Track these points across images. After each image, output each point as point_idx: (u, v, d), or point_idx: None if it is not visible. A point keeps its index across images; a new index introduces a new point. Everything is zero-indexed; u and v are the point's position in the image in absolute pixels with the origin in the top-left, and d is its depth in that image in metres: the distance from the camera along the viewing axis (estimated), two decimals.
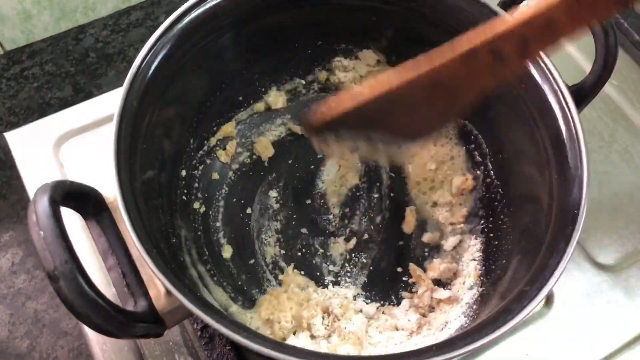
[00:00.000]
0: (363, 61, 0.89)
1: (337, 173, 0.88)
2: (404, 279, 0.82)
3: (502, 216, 0.79)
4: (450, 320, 0.75)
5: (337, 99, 0.71)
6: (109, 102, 0.92)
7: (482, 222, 0.82)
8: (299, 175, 0.88)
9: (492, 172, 0.82)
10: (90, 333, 0.77)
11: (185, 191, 0.81)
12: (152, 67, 0.67)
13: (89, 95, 1.05)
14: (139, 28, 1.12)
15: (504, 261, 0.75)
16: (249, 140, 0.89)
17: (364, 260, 0.83)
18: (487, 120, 0.82)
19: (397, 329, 0.77)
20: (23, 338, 0.87)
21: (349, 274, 0.82)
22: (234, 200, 0.85)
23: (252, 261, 0.82)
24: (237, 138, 0.88)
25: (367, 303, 0.80)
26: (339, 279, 0.82)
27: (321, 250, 0.83)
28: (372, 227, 0.86)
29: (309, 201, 0.87)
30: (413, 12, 0.78)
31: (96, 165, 0.73)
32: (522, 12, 0.54)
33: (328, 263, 0.82)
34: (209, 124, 0.85)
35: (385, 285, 0.82)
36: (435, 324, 0.76)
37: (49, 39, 1.10)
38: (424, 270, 0.81)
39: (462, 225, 0.83)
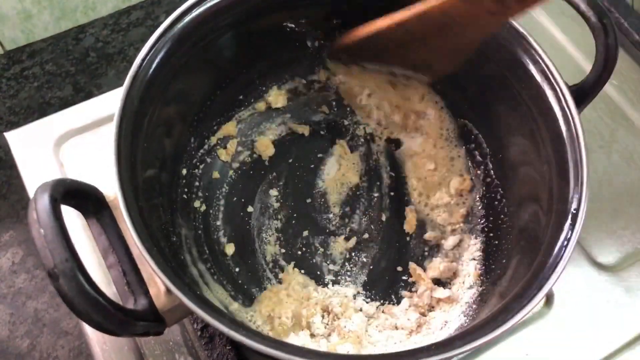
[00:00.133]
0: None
1: (338, 172, 0.88)
2: (404, 278, 0.82)
3: (502, 216, 0.79)
4: (450, 319, 0.76)
5: (361, 27, 0.76)
6: (109, 102, 0.92)
7: (482, 221, 0.82)
8: (300, 174, 0.88)
9: (492, 171, 0.82)
10: (90, 332, 0.77)
11: (185, 190, 0.81)
12: (153, 66, 0.67)
13: (89, 95, 1.05)
14: (139, 27, 1.12)
15: (504, 261, 0.75)
16: (250, 139, 0.89)
17: (364, 260, 0.83)
18: (487, 120, 0.82)
19: (396, 328, 0.77)
20: (23, 337, 0.87)
21: (349, 273, 0.82)
22: (235, 199, 0.85)
23: (252, 260, 0.82)
24: (237, 137, 0.88)
25: (366, 302, 0.80)
26: (339, 277, 0.82)
27: (321, 249, 0.83)
28: (372, 226, 0.85)
29: (309, 200, 0.87)
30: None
31: (96, 165, 0.73)
32: None
33: (328, 262, 0.82)
34: (210, 122, 0.85)
35: (385, 284, 0.82)
36: (435, 323, 0.76)
37: (49, 38, 1.10)
38: (424, 269, 0.81)
39: (462, 224, 0.83)
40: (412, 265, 0.81)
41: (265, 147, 0.88)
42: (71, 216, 0.72)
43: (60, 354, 0.87)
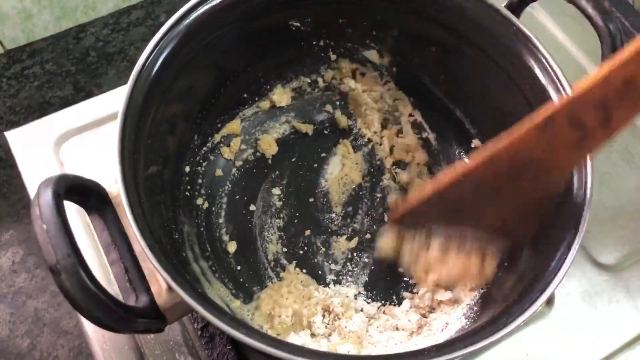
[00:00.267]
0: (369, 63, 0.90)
1: (341, 172, 0.88)
2: (405, 279, 0.82)
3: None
4: (451, 321, 0.75)
5: (420, 188, 0.69)
6: (110, 101, 0.92)
7: None
8: (302, 173, 0.88)
9: None
10: (90, 332, 0.77)
11: (188, 187, 0.81)
12: (157, 64, 0.67)
13: (89, 95, 1.05)
14: (139, 27, 1.12)
15: (506, 263, 0.75)
16: (253, 138, 0.89)
17: (366, 260, 0.83)
18: (489, 122, 0.82)
19: (397, 329, 0.77)
20: (23, 337, 0.87)
21: (350, 273, 0.82)
22: (237, 197, 0.85)
23: (254, 258, 0.82)
24: (241, 135, 0.88)
25: (368, 302, 0.80)
26: (340, 277, 0.82)
27: (323, 249, 0.83)
28: (374, 226, 0.85)
29: (311, 199, 0.87)
30: (419, 12, 0.78)
31: (97, 164, 0.73)
32: (596, 73, 0.51)
33: (330, 262, 0.82)
34: (214, 120, 0.85)
35: (387, 285, 0.82)
36: (436, 324, 0.76)
37: (50, 38, 1.10)
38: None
39: None
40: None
41: (269, 145, 0.88)
42: (73, 213, 0.72)
43: (60, 353, 0.86)
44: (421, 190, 0.67)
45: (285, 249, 0.82)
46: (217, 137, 0.86)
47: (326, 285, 0.81)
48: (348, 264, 0.83)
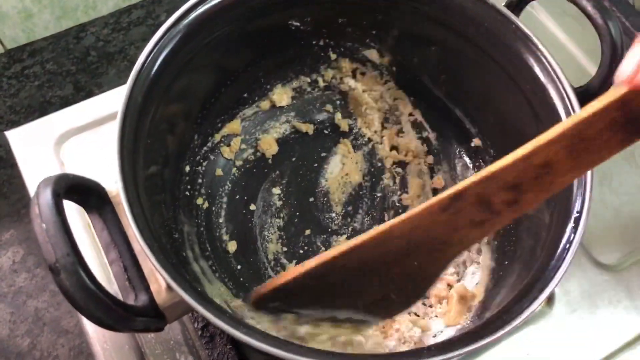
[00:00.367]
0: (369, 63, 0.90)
1: (341, 171, 0.88)
2: None
3: None
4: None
5: (287, 272, 0.63)
6: (110, 101, 0.92)
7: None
8: (303, 172, 0.88)
9: None
10: (91, 331, 0.77)
11: (188, 187, 0.81)
12: (157, 63, 0.67)
13: (89, 94, 1.05)
14: (140, 27, 1.12)
15: (506, 262, 0.75)
16: (253, 137, 0.89)
17: None
18: (491, 122, 0.82)
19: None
20: (24, 336, 0.87)
21: None
22: (237, 196, 0.85)
23: (254, 258, 0.82)
24: (241, 135, 0.88)
25: None
26: None
27: (323, 248, 0.83)
28: (374, 226, 0.85)
29: (312, 199, 0.87)
30: (419, 12, 0.78)
31: (97, 164, 0.73)
32: (515, 153, 0.49)
33: None
34: (214, 120, 0.85)
35: None
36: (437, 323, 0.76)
37: (50, 37, 1.10)
38: None
39: None
40: None
41: (269, 145, 0.88)
42: (72, 212, 0.72)
43: (60, 352, 0.86)
44: (289, 272, 0.63)
45: (285, 249, 0.82)
46: (217, 137, 0.86)
47: None
48: None
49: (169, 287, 0.58)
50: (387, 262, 0.57)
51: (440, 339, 0.73)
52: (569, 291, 0.83)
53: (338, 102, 0.93)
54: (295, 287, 0.62)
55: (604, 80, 0.69)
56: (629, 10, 0.98)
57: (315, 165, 0.89)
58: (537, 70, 0.70)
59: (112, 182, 0.62)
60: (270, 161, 0.88)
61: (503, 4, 0.74)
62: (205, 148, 0.84)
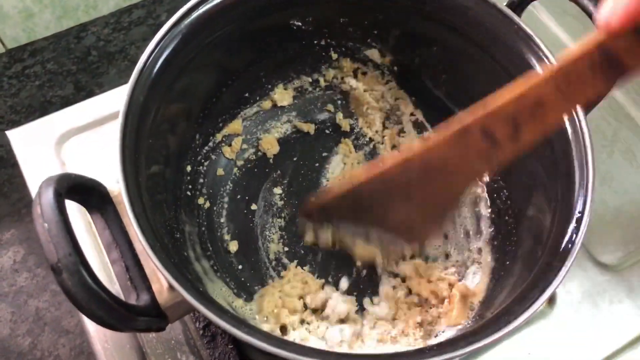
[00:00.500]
0: (370, 62, 0.90)
1: (342, 171, 0.88)
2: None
3: (506, 217, 0.78)
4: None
5: (332, 184, 0.70)
6: (111, 101, 0.92)
7: (487, 222, 0.82)
8: (304, 172, 0.88)
9: (498, 174, 0.81)
10: (92, 331, 0.77)
11: (190, 186, 0.81)
12: (159, 64, 0.67)
13: (90, 94, 1.05)
14: (140, 26, 1.12)
15: (508, 262, 0.75)
16: (255, 137, 0.89)
17: None
18: None
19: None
20: (25, 336, 0.87)
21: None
22: (239, 196, 0.85)
23: (255, 257, 0.82)
24: (242, 134, 0.88)
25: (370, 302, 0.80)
26: (341, 276, 0.81)
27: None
28: None
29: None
30: (420, 11, 0.78)
31: (98, 163, 0.73)
32: (511, 89, 0.54)
33: (332, 261, 0.82)
34: (215, 120, 0.85)
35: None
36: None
37: (51, 37, 1.10)
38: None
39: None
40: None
41: (270, 145, 0.88)
42: (74, 211, 0.72)
43: (61, 352, 0.86)
44: (334, 187, 0.69)
45: (286, 249, 0.82)
46: (218, 137, 0.86)
47: (328, 284, 0.80)
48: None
49: (170, 287, 0.58)
50: (409, 188, 0.63)
51: (441, 338, 0.73)
52: (570, 291, 0.83)
53: (339, 102, 0.93)
54: (333, 205, 0.68)
55: None
56: None
57: (317, 165, 0.89)
58: (538, 69, 0.70)
59: (113, 182, 0.62)
60: (271, 161, 0.88)
61: (504, 3, 0.74)
62: (206, 148, 0.84)
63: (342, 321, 0.77)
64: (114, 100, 0.92)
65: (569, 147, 0.66)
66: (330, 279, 0.81)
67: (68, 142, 0.89)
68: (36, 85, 1.05)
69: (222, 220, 0.83)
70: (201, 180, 0.83)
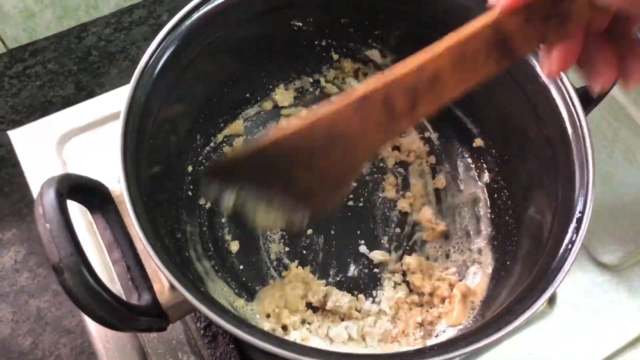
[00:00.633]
0: (371, 63, 0.90)
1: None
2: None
3: (507, 217, 0.79)
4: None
5: (245, 145, 0.71)
6: (112, 101, 0.92)
7: (487, 223, 0.82)
8: None
9: (498, 174, 0.81)
10: (93, 331, 0.77)
11: (191, 187, 0.81)
12: (160, 64, 0.67)
13: (91, 94, 1.05)
14: (141, 26, 1.12)
15: (508, 262, 0.75)
16: (256, 138, 0.88)
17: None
18: (493, 122, 0.82)
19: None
20: (26, 336, 0.87)
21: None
22: None
23: (256, 257, 0.81)
24: (244, 135, 0.88)
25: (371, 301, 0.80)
26: (342, 276, 0.82)
27: (325, 247, 0.83)
28: (375, 226, 0.85)
29: None
30: (421, 12, 0.78)
31: (99, 163, 0.73)
32: (413, 59, 0.54)
33: (332, 260, 0.82)
34: (216, 120, 0.85)
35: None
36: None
37: (52, 37, 1.10)
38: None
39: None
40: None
41: None
42: (75, 211, 0.72)
43: (62, 352, 0.87)
44: (239, 148, 0.71)
45: (287, 248, 0.82)
46: (219, 137, 0.86)
47: (329, 284, 0.80)
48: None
49: (172, 287, 0.58)
50: (312, 153, 0.64)
51: (442, 338, 0.73)
52: (571, 291, 0.83)
53: None
54: (240, 165, 0.67)
55: None
56: None
57: None
58: (538, 69, 0.70)
59: (114, 182, 0.62)
60: None
61: None
62: (207, 148, 0.84)
63: (343, 319, 0.77)
64: (115, 100, 0.92)
65: (569, 147, 0.66)
66: (331, 279, 0.81)
67: (69, 142, 0.89)
68: (37, 85, 1.06)
69: (223, 220, 0.83)
70: (202, 181, 0.83)
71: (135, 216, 0.57)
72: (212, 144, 0.85)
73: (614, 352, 0.80)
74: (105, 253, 0.64)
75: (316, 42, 0.86)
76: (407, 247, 0.84)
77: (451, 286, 0.78)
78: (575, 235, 0.62)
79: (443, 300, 0.78)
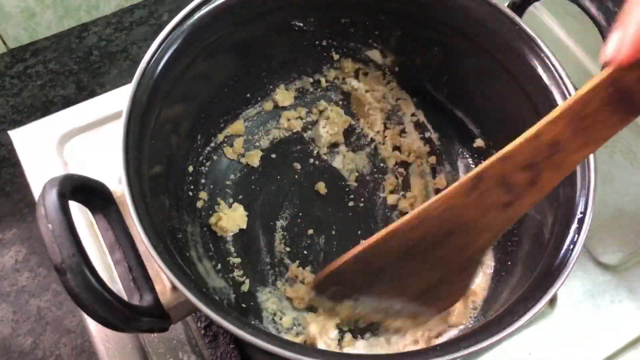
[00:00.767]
0: (372, 63, 0.90)
1: (343, 171, 0.88)
2: None
3: None
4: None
5: (353, 249, 0.66)
6: (113, 101, 0.92)
7: None
8: (305, 172, 0.88)
9: None
10: (94, 330, 0.77)
11: (192, 187, 0.81)
12: (161, 64, 0.67)
13: (92, 94, 1.05)
14: (142, 26, 1.12)
15: (509, 263, 0.75)
16: (256, 138, 0.89)
17: None
18: (494, 123, 0.82)
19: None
20: (26, 335, 0.87)
21: None
22: (240, 196, 0.85)
23: (257, 258, 0.81)
24: (244, 135, 0.88)
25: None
26: None
27: (326, 248, 0.83)
28: (376, 226, 0.85)
29: (314, 199, 0.87)
30: (422, 12, 0.78)
31: (100, 163, 0.73)
32: (524, 134, 0.53)
33: (333, 260, 0.82)
34: (217, 120, 0.85)
35: None
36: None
37: (53, 37, 1.10)
38: None
39: None
40: None
41: (254, 159, 0.88)
42: (76, 212, 0.72)
43: (63, 352, 0.87)
44: (341, 257, 0.67)
45: (288, 249, 0.82)
46: (220, 137, 0.86)
47: None
48: None
49: (173, 288, 0.58)
50: (426, 246, 0.61)
51: (443, 339, 0.73)
52: (571, 291, 0.83)
53: (340, 103, 0.92)
54: (347, 272, 0.66)
55: None
56: None
57: (318, 163, 0.89)
58: (540, 70, 0.70)
59: (116, 183, 0.62)
60: (273, 161, 0.88)
61: (506, 4, 0.74)
62: (208, 148, 0.84)
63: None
64: (116, 100, 0.92)
65: None
66: None
67: (70, 142, 0.89)
68: (38, 85, 1.06)
69: None
70: (203, 181, 0.83)
71: (137, 217, 0.57)
72: (212, 144, 0.85)
73: (614, 352, 0.80)
74: (106, 254, 0.64)
75: (317, 42, 0.86)
76: None
77: None
78: (576, 235, 0.62)
79: None
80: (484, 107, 0.83)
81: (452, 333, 0.74)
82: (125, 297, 0.60)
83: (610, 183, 0.91)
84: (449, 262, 0.63)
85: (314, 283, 0.74)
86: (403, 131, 0.91)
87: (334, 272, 0.68)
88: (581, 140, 0.52)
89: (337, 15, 0.83)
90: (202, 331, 0.78)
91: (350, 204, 0.86)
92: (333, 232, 0.84)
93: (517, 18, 0.72)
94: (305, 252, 0.82)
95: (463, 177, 0.56)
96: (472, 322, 0.74)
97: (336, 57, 0.89)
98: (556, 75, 0.69)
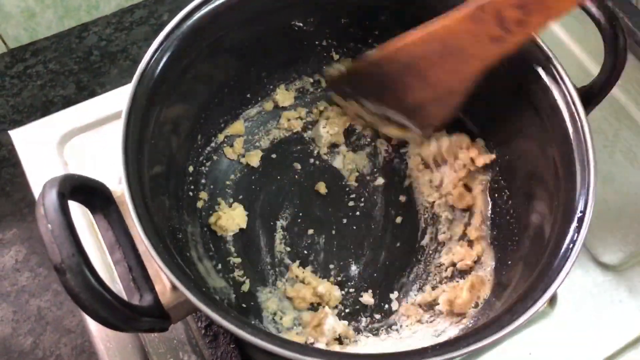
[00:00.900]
0: None
1: (343, 171, 0.88)
2: (411, 278, 0.82)
3: (508, 217, 0.78)
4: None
5: (365, 55, 0.76)
6: (113, 101, 0.92)
7: (488, 223, 0.82)
8: (305, 171, 0.88)
9: (499, 174, 0.81)
10: (94, 330, 0.77)
11: (192, 187, 0.81)
12: (161, 64, 0.67)
13: (92, 94, 1.05)
14: (142, 26, 1.12)
15: (509, 262, 0.75)
16: (256, 138, 0.89)
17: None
18: (494, 122, 0.82)
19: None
20: (26, 335, 0.87)
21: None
22: (241, 196, 0.85)
23: (257, 258, 0.81)
24: (244, 135, 0.88)
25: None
26: (343, 276, 0.82)
27: (327, 248, 0.83)
28: (376, 226, 0.85)
29: (315, 198, 0.87)
30: (421, 12, 0.78)
31: (100, 163, 0.73)
32: None
33: (334, 260, 0.82)
34: (217, 120, 0.85)
35: (388, 283, 0.82)
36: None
37: (53, 37, 1.10)
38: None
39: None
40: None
41: (254, 159, 0.88)
42: (76, 212, 0.72)
43: (63, 351, 0.87)
44: (362, 60, 0.79)
45: (288, 249, 0.82)
46: (220, 137, 0.86)
47: (329, 283, 0.81)
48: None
49: (173, 287, 0.58)
50: (425, 64, 0.70)
51: (443, 338, 0.73)
52: (571, 291, 0.83)
53: None
54: (361, 74, 0.78)
55: (606, 81, 0.69)
56: (632, 11, 0.98)
57: (318, 163, 0.89)
58: (540, 70, 0.70)
59: (116, 183, 0.62)
60: (273, 161, 0.88)
61: None
62: (208, 148, 0.84)
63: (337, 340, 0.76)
64: (116, 100, 0.92)
65: (570, 147, 0.66)
66: (332, 279, 0.81)
67: (70, 142, 0.89)
68: (38, 85, 1.06)
69: None
70: (203, 181, 0.83)
71: (136, 217, 0.58)
72: (212, 144, 0.85)
73: (614, 352, 0.80)
74: (106, 254, 0.64)
75: (317, 42, 0.86)
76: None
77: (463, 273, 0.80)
78: (576, 235, 0.62)
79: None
80: (483, 107, 0.82)
81: (451, 332, 0.74)
82: (125, 297, 0.60)
83: (611, 183, 0.91)
84: (441, 83, 0.72)
85: (329, 81, 0.88)
86: None
87: (350, 72, 0.80)
88: None
89: (337, 15, 0.83)
90: (203, 331, 0.78)
91: (350, 204, 0.86)
92: (333, 232, 0.84)
93: None
94: (305, 252, 0.82)
95: (464, 7, 0.64)
96: (472, 321, 0.74)
97: (336, 57, 0.89)
98: (556, 74, 0.69)
